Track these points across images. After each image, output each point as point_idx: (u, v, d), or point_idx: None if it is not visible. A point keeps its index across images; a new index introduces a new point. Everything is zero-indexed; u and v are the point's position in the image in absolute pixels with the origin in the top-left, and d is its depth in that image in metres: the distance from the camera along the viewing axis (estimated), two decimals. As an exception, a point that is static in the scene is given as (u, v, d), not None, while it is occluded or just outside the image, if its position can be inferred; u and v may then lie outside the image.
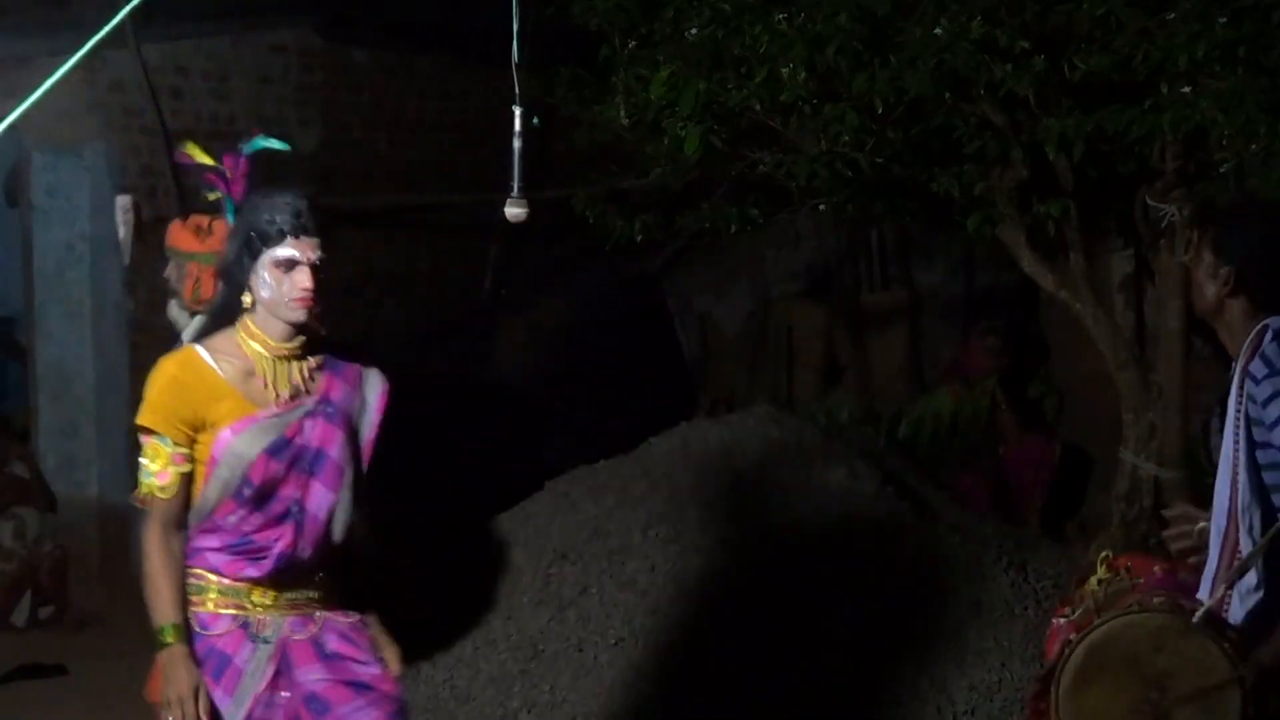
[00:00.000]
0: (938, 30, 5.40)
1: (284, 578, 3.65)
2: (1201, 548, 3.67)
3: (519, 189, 3.93)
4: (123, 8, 3.40)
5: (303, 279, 3.56)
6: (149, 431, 3.60)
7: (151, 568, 3.61)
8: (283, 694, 3.62)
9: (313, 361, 3.69)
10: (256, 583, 3.63)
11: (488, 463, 8.00)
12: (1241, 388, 3.49)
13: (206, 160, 4.53)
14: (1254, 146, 5.20)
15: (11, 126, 2.98)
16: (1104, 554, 3.90)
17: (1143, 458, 6.27)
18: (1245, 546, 3.47)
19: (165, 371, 3.63)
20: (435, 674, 6.01)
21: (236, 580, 3.62)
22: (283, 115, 8.38)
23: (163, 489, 3.58)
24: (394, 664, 3.82)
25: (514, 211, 3.92)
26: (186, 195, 7.77)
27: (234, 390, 3.59)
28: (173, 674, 3.56)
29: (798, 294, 9.97)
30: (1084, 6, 5.39)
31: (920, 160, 5.97)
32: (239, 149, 4.12)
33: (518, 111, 3.99)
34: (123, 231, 5.56)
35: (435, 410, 7.51)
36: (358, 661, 3.70)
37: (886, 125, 5.69)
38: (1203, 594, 3.56)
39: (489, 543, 6.53)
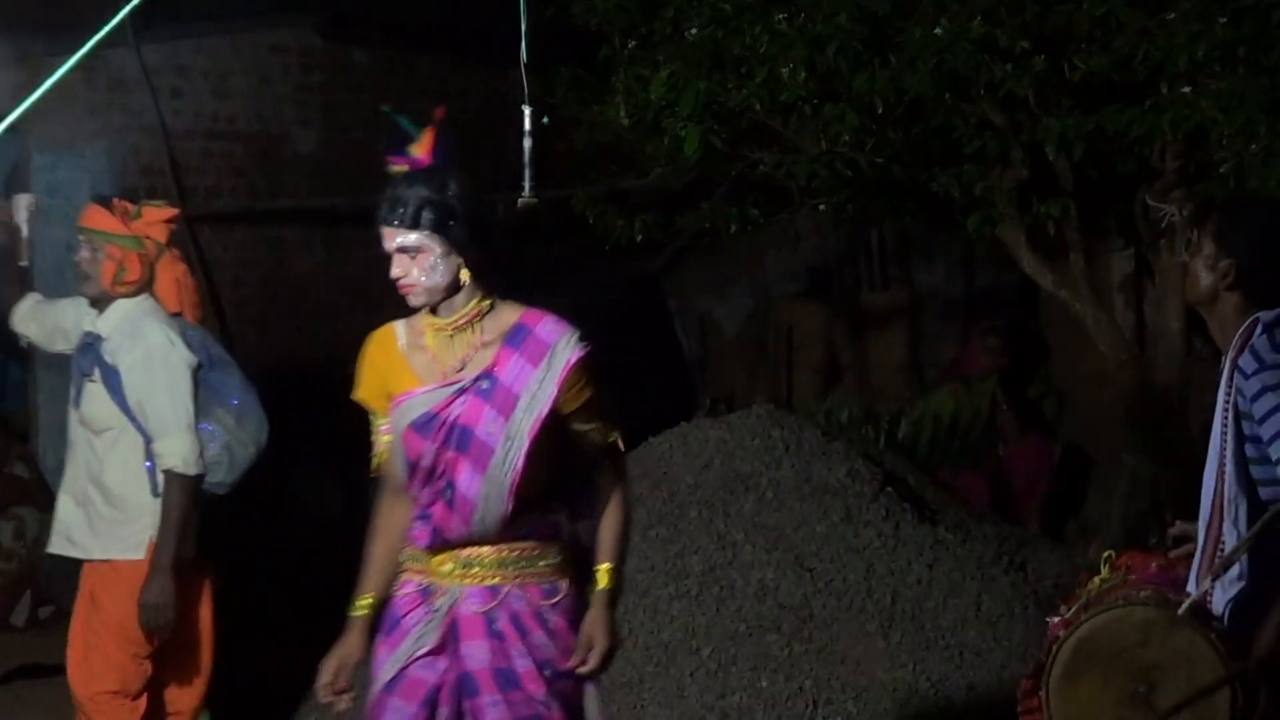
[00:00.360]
0: (938, 30, 5.41)
1: (456, 549, 3.61)
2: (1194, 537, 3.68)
3: (530, 189, 3.90)
4: (123, 8, 3.40)
5: (393, 268, 3.54)
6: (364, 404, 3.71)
7: (369, 536, 3.73)
8: (441, 662, 3.60)
9: (487, 335, 3.62)
10: (432, 551, 3.63)
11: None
12: (1230, 381, 3.49)
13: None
14: (1254, 146, 5.21)
15: (11, 126, 2.98)
16: (1107, 554, 3.92)
17: (1143, 458, 6.28)
18: (1229, 537, 3.47)
19: (365, 346, 3.70)
20: (435, 674, 6.00)
21: (420, 548, 3.66)
22: (283, 115, 8.38)
23: (376, 456, 3.68)
24: (593, 658, 3.66)
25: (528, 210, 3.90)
26: (186, 195, 7.78)
27: (408, 364, 3.62)
28: (336, 647, 3.66)
29: (798, 294, 9.97)
30: (1084, 6, 5.40)
31: (920, 160, 5.98)
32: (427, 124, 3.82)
33: (527, 111, 3.96)
34: (25, 230, 5.45)
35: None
36: (519, 649, 3.59)
37: (886, 125, 5.70)
38: (1192, 586, 3.57)
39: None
